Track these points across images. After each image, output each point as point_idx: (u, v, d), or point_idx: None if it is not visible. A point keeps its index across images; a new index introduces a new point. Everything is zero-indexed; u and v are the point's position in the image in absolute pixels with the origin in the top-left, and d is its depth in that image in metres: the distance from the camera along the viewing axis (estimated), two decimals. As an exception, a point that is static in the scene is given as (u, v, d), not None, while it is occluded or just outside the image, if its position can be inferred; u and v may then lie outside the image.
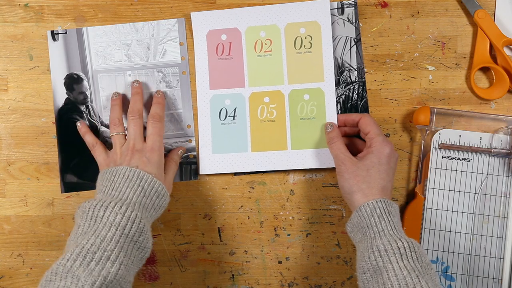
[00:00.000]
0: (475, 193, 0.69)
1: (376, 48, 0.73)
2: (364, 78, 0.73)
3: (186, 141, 0.72)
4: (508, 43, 0.71)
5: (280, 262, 0.73)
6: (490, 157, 0.69)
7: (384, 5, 0.73)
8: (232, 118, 0.70)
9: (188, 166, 0.72)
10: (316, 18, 0.70)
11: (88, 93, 0.73)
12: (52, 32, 0.72)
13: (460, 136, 0.70)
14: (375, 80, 0.73)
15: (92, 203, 0.57)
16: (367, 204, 0.61)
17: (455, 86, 0.73)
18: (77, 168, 0.72)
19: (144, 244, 0.58)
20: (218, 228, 0.73)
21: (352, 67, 0.72)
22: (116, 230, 0.55)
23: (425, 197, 0.70)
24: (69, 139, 0.72)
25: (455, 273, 0.69)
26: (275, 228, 0.73)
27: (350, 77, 0.72)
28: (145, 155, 0.64)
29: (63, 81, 0.72)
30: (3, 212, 0.72)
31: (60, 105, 0.72)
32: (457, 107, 0.73)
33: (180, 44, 0.73)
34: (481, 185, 0.69)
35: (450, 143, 0.70)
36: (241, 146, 0.70)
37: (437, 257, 0.69)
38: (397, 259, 0.55)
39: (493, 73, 0.73)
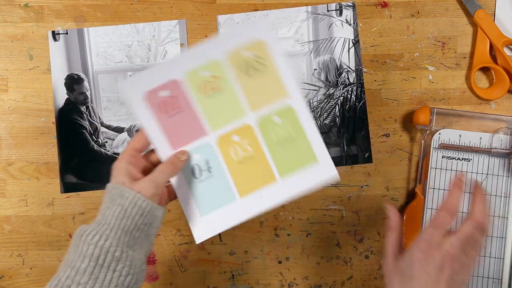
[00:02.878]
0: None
1: (376, 48, 0.73)
2: (363, 79, 0.73)
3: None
4: (508, 43, 0.71)
5: (280, 262, 0.73)
6: (490, 157, 0.70)
7: (384, 5, 0.73)
8: (207, 171, 0.62)
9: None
10: (259, 37, 0.62)
11: (88, 93, 0.73)
12: (53, 32, 0.73)
13: (460, 136, 0.70)
14: (375, 80, 0.73)
15: (79, 230, 0.55)
16: None
17: (455, 86, 0.73)
18: (77, 168, 0.72)
19: (127, 271, 0.54)
20: (218, 228, 0.73)
21: (350, 69, 0.73)
22: (90, 261, 0.53)
23: (425, 197, 0.70)
24: (69, 139, 0.72)
25: None
26: (275, 228, 0.73)
27: (348, 78, 0.72)
28: None
29: (64, 81, 0.72)
30: (3, 212, 0.72)
31: (61, 106, 0.72)
32: (457, 107, 0.73)
33: (180, 45, 0.73)
34: (481, 185, 0.69)
35: (450, 143, 0.70)
36: (228, 197, 0.62)
37: None
38: None
39: (493, 73, 0.73)
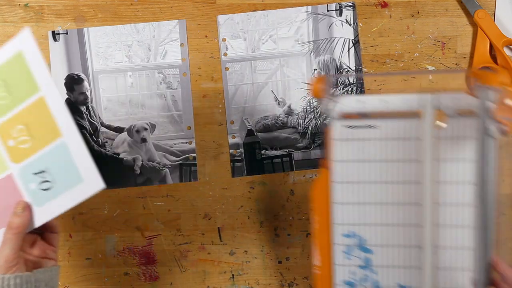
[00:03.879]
0: (386, 161, 0.60)
1: (376, 48, 0.73)
2: (363, 79, 0.73)
3: (186, 142, 0.73)
4: (508, 43, 0.71)
5: (280, 262, 0.73)
6: (396, 121, 0.59)
7: (384, 5, 0.73)
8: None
9: (188, 168, 0.72)
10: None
11: (88, 93, 0.73)
12: (53, 32, 0.73)
13: (360, 101, 0.59)
14: (375, 80, 0.73)
15: None
16: None
17: (455, 86, 0.73)
18: (77, 168, 0.72)
19: None
20: (218, 228, 0.73)
21: (350, 69, 0.73)
22: None
23: (331, 171, 0.60)
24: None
25: (373, 245, 0.61)
26: (275, 228, 0.73)
27: (348, 78, 0.72)
28: None
29: (64, 81, 0.73)
30: (4, 212, 0.72)
31: (60, 106, 0.72)
32: (457, 107, 0.73)
33: (180, 45, 0.73)
34: (390, 151, 0.59)
35: (350, 111, 0.59)
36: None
37: (352, 231, 0.61)
38: None
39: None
